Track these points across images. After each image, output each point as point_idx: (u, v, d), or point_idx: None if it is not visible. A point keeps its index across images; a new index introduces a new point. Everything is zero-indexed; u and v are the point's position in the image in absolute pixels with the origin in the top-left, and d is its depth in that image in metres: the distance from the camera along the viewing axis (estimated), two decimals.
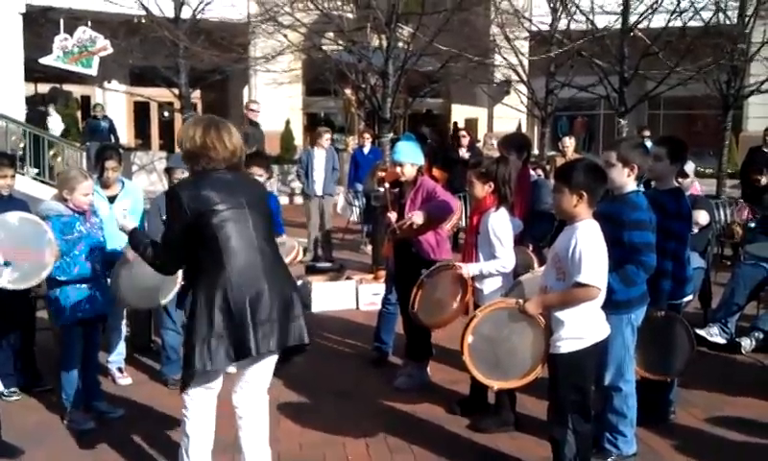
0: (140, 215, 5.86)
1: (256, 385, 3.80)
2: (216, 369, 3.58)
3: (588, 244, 3.61)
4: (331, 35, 15.47)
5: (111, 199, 5.69)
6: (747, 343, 6.45)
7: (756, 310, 6.93)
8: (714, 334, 6.51)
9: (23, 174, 14.10)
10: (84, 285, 4.81)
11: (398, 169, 5.54)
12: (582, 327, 3.71)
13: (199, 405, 3.72)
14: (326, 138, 10.99)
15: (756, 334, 6.47)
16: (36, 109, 18.83)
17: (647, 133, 14.20)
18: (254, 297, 3.52)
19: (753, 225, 8.18)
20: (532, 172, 6.28)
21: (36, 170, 15.19)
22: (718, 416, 5.06)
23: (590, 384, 3.87)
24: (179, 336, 5.61)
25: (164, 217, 5.35)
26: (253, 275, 3.55)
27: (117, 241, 5.51)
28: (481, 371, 3.92)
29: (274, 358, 3.80)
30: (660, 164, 4.67)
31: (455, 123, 12.10)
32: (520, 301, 3.83)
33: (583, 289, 3.60)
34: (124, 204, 5.67)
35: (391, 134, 14.01)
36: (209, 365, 3.49)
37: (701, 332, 6.47)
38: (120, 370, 5.75)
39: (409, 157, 5.53)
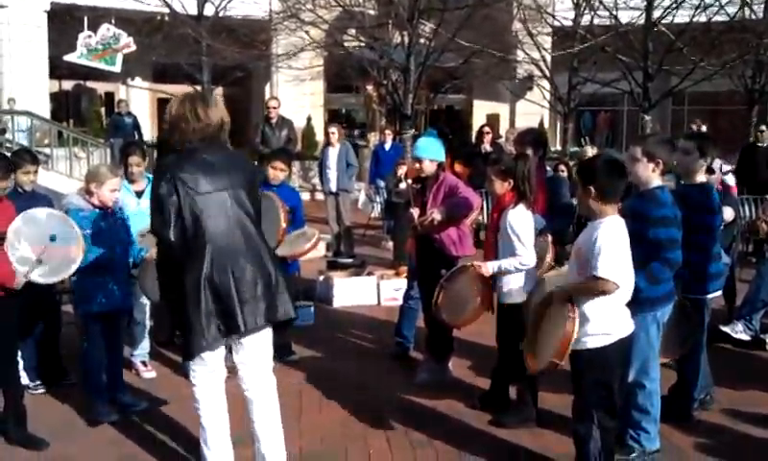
0: None
1: (256, 363, 3.90)
2: (211, 344, 3.70)
3: (607, 239, 3.60)
4: (353, 31, 15.50)
5: (139, 194, 5.74)
6: None
7: None
8: (739, 331, 6.45)
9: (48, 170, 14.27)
10: (101, 279, 4.84)
11: (417, 165, 5.54)
12: (607, 323, 3.70)
13: (206, 393, 3.85)
14: (331, 133, 10.97)
15: None
16: None
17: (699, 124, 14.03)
18: (238, 275, 3.65)
19: None
20: (549, 168, 6.25)
21: None
22: (742, 413, 5.01)
23: (616, 380, 3.84)
24: None
25: None
26: (234, 254, 3.67)
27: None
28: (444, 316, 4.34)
29: (267, 334, 3.89)
30: (689, 158, 4.65)
31: (482, 125, 12.11)
32: (552, 293, 3.86)
33: (598, 282, 3.59)
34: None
35: (412, 131, 14.03)
36: (204, 342, 3.64)
37: (725, 329, 6.42)
38: (144, 363, 5.80)
39: (428, 153, 5.54)
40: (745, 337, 6.44)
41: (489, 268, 4.69)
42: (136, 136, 16.95)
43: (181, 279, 3.67)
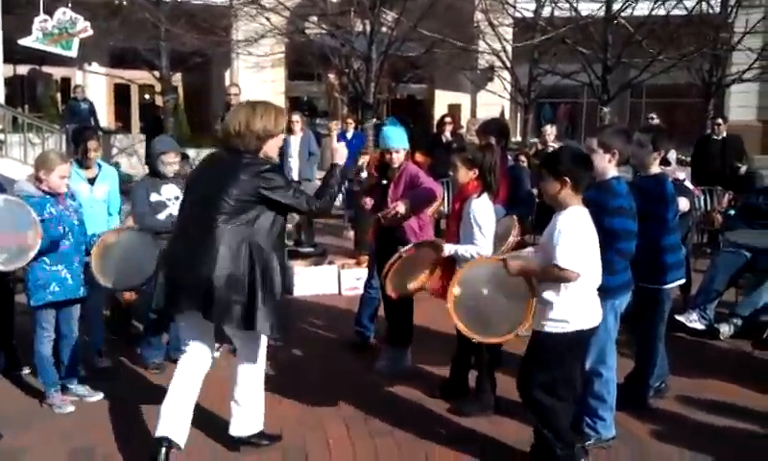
0: (117, 198, 5.87)
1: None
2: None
3: (568, 229, 3.64)
4: (314, 18, 15.39)
5: (91, 181, 5.65)
6: (726, 329, 6.50)
7: (734, 297, 6.98)
8: (693, 320, 6.55)
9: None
10: (54, 268, 4.75)
11: (393, 156, 5.51)
12: (567, 312, 3.74)
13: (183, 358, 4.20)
14: (295, 122, 10.90)
15: (735, 320, 6.52)
16: None
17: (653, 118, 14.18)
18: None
19: (732, 212, 8.25)
20: (510, 158, 6.27)
21: None
22: (696, 401, 5.10)
23: (565, 371, 3.91)
24: None
25: (150, 198, 5.38)
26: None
27: (98, 223, 5.49)
28: (464, 322, 3.96)
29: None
30: (643, 151, 4.71)
31: (443, 115, 12.15)
32: (505, 258, 3.85)
33: (558, 270, 3.62)
34: (102, 186, 5.63)
35: (374, 120, 14.01)
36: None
37: (680, 318, 6.52)
38: (99, 353, 5.70)
39: (401, 142, 5.53)
40: (700, 326, 6.54)
41: (447, 249, 4.70)
42: (92, 122, 16.63)
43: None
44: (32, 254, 4.52)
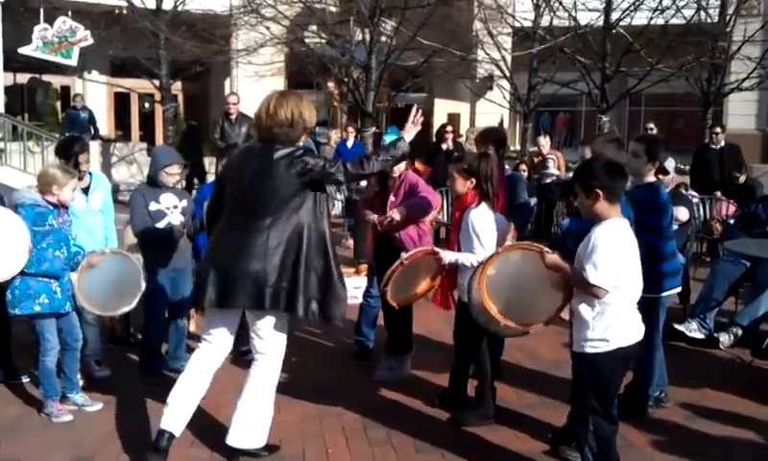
0: (111, 205, 5.83)
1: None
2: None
3: (602, 244, 3.53)
4: (314, 28, 15.41)
5: (85, 191, 5.58)
6: (725, 338, 6.48)
7: (734, 306, 6.98)
8: (693, 330, 6.55)
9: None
10: (46, 280, 4.73)
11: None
12: (606, 331, 3.63)
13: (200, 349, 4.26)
14: None
15: (735, 330, 6.50)
16: None
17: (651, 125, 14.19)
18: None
19: (732, 221, 8.25)
20: (507, 167, 6.27)
21: None
22: (696, 410, 5.09)
23: (614, 388, 3.81)
24: (160, 332, 5.60)
25: (149, 207, 5.36)
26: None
27: (97, 232, 5.48)
28: (493, 301, 3.88)
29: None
30: (638, 160, 4.70)
31: (443, 124, 12.16)
32: (544, 248, 3.77)
33: (586, 284, 3.54)
34: (97, 195, 5.60)
35: (373, 128, 14.01)
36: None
37: (680, 328, 6.52)
38: (98, 362, 5.68)
39: None
40: (699, 336, 6.54)
41: (447, 257, 4.69)
42: (92, 131, 16.65)
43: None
44: (19, 267, 4.57)
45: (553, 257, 3.70)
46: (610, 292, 3.54)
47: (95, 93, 20.96)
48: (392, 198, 5.52)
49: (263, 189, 3.98)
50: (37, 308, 4.73)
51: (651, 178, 4.80)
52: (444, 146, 11.06)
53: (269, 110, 4.06)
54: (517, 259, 3.90)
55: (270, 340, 4.17)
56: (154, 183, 5.53)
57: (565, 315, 3.97)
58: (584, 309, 3.66)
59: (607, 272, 3.52)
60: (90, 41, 17.47)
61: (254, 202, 4.01)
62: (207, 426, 4.61)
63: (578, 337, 3.74)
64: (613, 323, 3.64)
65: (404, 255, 4.73)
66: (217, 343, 4.23)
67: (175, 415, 4.11)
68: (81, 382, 5.15)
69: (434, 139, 11.97)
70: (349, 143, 12.88)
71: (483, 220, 4.65)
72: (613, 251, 3.56)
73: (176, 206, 5.47)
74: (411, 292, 4.88)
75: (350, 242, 10.72)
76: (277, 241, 3.96)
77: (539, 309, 3.91)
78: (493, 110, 19.62)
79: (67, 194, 4.80)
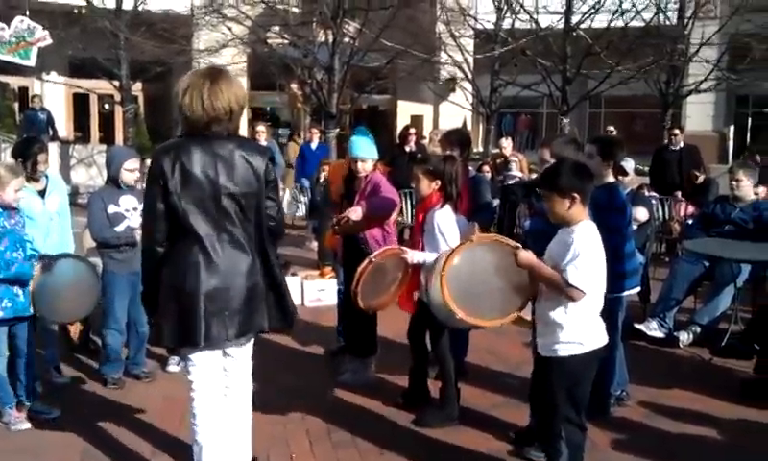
0: (67, 208, 5.71)
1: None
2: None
3: (584, 247, 3.53)
4: (277, 28, 15.34)
5: (41, 194, 5.44)
6: (685, 337, 6.58)
7: (693, 305, 7.09)
8: (653, 329, 6.63)
9: None
10: (6, 284, 4.62)
11: (360, 165, 5.48)
12: (580, 333, 3.63)
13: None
14: (261, 132, 10.87)
15: (694, 328, 6.61)
16: None
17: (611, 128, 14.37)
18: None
19: (690, 222, 8.37)
20: (471, 168, 6.31)
21: None
22: (657, 409, 5.15)
23: (586, 393, 3.78)
24: (121, 337, 5.49)
25: (108, 210, 5.27)
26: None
27: (54, 236, 5.37)
28: (451, 294, 3.83)
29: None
30: (593, 162, 4.74)
31: (406, 126, 12.18)
32: (519, 246, 3.73)
33: (566, 285, 3.52)
34: (54, 198, 5.49)
35: (337, 130, 13.99)
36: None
37: (640, 327, 6.60)
38: (57, 369, 5.58)
39: (369, 152, 5.51)
40: (659, 335, 6.63)
41: (414, 257, 4.69)
42: (51, 133, 16.37)
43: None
44: None
45: (527, 255, 3.67)
46: (586, 294, 3.54)
47: (53, 94, 20.60)
48: (358, 198, 5.51)
49: (238, 192, 3.57)
50: (0, 314, 4.61)
51: (609, 178, 4.85)
52: (407, 148, 11.08)
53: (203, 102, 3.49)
54: (487, 252, 3.85)
55: (241, 358, 3.87)
56: (116, 184, 5.45)
57: (527, 315, 3.99)
58: (555, 312, 3.63)
59: (587, 274, 3.52)
60: (49, 41, 17.16)
61: (230, 209, 3.56)
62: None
63: (548, 341, 3.68)
64: (587, 324, 3.65)
65: (373, 254, 4.72)
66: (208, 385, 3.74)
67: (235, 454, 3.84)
68: (39, 389, 5.05)
69: (397, 141, 11.99)
70: (314, 145, 12.84)
71: (448, 221, 4.67)
72: (593, 253, 3.57)
73: (135, 209, 5.38)
74: (381, 296, 4.86)
75: (314, 244, 10.67)
76: (252, 256, 3.64)
77: (498, 305, 3.87)
78: (457, 112, 19.73)
79: (9, 194, 4.63)
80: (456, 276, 3.85)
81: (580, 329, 3.62)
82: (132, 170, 5.43)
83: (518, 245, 3.77)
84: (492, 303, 3.89)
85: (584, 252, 3.52)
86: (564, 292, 3.54)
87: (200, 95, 3.49)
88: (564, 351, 3.64)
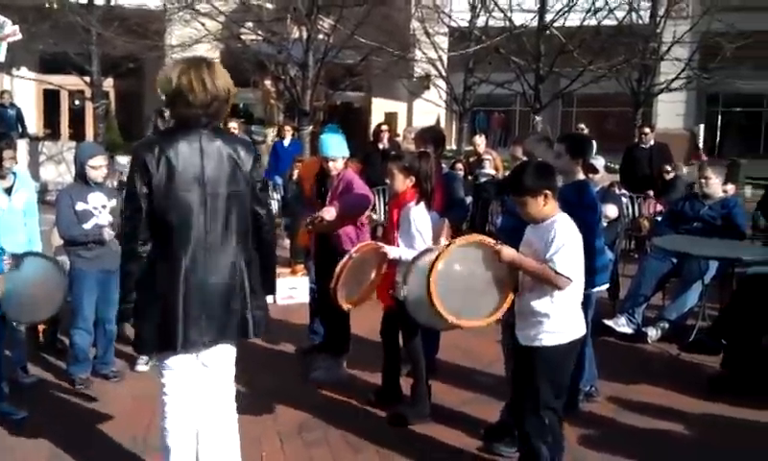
0: (35, 205, 5.60)
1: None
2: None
3: (568, 237, 3.62)
4: (250, 24, 15.25)
5: (8, 191, 5.33)
6: (653, 332, 6.65)
7: (661, 301, 7.16)
8: (622, 324, 6.70)
9: None
10: None
11: (330, 164, 5.48)
12: (564, 323, 3.70)
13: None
14: (233, 129, 10.79)
15: (662, 324, 6.68)
16: None
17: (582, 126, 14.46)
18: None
19: (659, 219, 8.46)
20: (444, 166, 6.33)
21: None
22: (625, 404, 5.20)
23: (566, 382, 3.86)
24: (89, 336, 5.42)
25: (76, 208, 5.20)
26: None
27: (19, 234, 5.29)
28: (442, 302, 3.80)
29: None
30: (561, 160, 4.77)
31: (379, 124, 12.17)
32: (499, 244, 3.76)
33: (554, 274, 3.58)
34: (21, 195, 5.40)
35: (311, 127, 13.94)
36: None
37: (609, 323, 6.66)
38: (24, 369, 5.51)
39: (339, 150, 5.50)
40: (628, 330, 6.69)
41: (392, 252, 4.69)
42: (20, 129, 16.16)
43: None
44: None
45: (510, 251, 3.71)
46: (573, 282, 3.62)
47: (23, 90, 20.33)
48: (330, 195, 5.51)
49: (229, 190, 3.47)
50: None
51: (580, 176, 4.88)
52: (380, 145, 11.08)
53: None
54: (472, 253, 3.85)
55: (225, 363, 3.86)
56: (84, 181, 5.38)
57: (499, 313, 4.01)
58: (540, 303, 3.69)
59: (573, 262, 3.61)
60: (19, 36, 16.85)
61: (221, 209, 3.46)
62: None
63: (531, 333, 3.73)
64: (570, 314, 3.73)
65: (353, 250, 4.71)
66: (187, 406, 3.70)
67: None
68: (5, 390, 4.98)
69: (371, 139, 11.98)
70: (287, 142, 12.80)
71: (423, 217, 4.70)
72: (575, 243, 3.66)
73: (104, 206, 5.33)
74: (358, 292, 4.84)
75: (287, 242, 10.64)
76: (238, 259, 3.56)
77: (482, 306, 3.89)
78: (430, 110, 19.76)
79: None
80: (444, 282, 3.82)
81: (563, 319, 3.71)
82: (96, 167, 5.35)
83: (498, 242, 3.79)
84: (485, 303, 3.88)
85: (567, 241, 3.61)
86: (552, 281, 3.61)
87: (200, 76, 3.40)
88: (548, 340, 3.70)
